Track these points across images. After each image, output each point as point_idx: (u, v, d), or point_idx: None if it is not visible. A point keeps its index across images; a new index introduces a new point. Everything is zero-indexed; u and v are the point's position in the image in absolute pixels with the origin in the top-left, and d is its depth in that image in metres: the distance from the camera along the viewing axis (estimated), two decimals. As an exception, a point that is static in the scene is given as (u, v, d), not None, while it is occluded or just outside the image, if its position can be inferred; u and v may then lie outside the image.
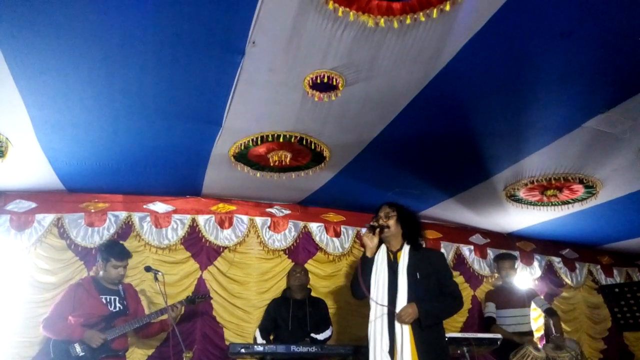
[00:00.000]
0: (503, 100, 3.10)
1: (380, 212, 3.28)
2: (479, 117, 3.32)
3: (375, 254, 3.20)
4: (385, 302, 2.99)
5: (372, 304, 3.06)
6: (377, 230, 3.17)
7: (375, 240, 3.18)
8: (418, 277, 3.04)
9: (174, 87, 2.90)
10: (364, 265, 3.17)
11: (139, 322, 3.74)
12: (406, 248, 3.17)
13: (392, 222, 3.18)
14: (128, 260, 3.94)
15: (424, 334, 2.90)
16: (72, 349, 3.46)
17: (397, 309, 2.95)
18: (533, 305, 5.04)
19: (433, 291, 3.06)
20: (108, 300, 3.77)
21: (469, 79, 2.86)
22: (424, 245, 3.33)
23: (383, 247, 3.23)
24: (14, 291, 4.06)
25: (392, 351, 2.89)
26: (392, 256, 3.19)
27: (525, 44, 2.56)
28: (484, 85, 2.93)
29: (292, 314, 4.34)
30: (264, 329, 4.39)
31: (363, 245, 3.24)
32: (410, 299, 2.96)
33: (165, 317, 3.85)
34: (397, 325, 2.92)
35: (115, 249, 3.92)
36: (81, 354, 3.46)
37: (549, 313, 4.93)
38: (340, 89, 2.86)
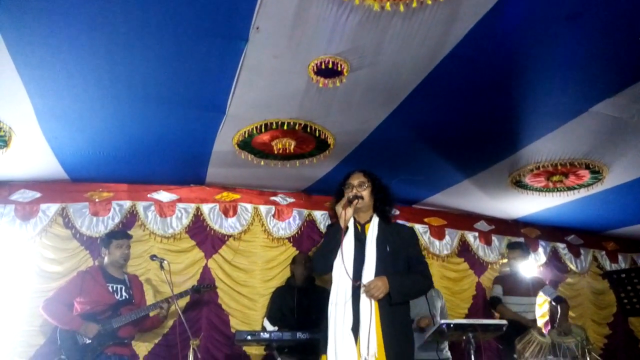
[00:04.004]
0: (509, 85, 3.07)
1: (353, 179, 2.97)
2: (485, 102, 3.29)
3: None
4: (351, 276, 2.68)
5: (335, 278, 2.75)
6: (355, 202, 2.83)
7: (351, 211, 2.83)
8: (388, 250, 2.78)
9: (177, 74, 2.88)
10: (339, 237, 2.78)
11: (142, 311, 3.77)
12: (375, 220, 2.91)
13: (366, 193, 2.91)
14: (129, 241, 4.03)
15: (391, 311, 2.65)
16: (79, 336, 3.49)
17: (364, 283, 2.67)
18: (541, 294, 4.99)
19: (402, 268, 2.81)
20: (114, 288, 3.81)
21: (475, 64, 2.82)
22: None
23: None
24: (20, 280, 4.09)
25: (355, 328, 2.59)
26: (359, 227, 2.92)
27: (532, 27, 2.52)
28: (490, 70, 2.90)
29: (297, 302, 4.34)
30: (271, 318, 4.38)
31: (336, 215, 2.84)
32: (378, 273, 2.69)
33: (157, 311, 3.85)
34: (363, 300, 2.63)
35: (114, 232, 4.23)
36: (88, 341, 3.49)
37: (558, 301, 4.89)
38: (345, 74, 2.82)
